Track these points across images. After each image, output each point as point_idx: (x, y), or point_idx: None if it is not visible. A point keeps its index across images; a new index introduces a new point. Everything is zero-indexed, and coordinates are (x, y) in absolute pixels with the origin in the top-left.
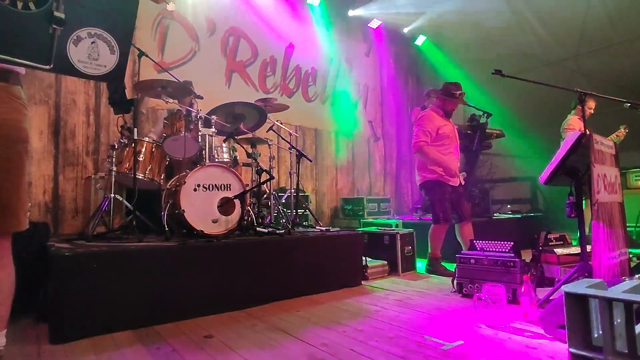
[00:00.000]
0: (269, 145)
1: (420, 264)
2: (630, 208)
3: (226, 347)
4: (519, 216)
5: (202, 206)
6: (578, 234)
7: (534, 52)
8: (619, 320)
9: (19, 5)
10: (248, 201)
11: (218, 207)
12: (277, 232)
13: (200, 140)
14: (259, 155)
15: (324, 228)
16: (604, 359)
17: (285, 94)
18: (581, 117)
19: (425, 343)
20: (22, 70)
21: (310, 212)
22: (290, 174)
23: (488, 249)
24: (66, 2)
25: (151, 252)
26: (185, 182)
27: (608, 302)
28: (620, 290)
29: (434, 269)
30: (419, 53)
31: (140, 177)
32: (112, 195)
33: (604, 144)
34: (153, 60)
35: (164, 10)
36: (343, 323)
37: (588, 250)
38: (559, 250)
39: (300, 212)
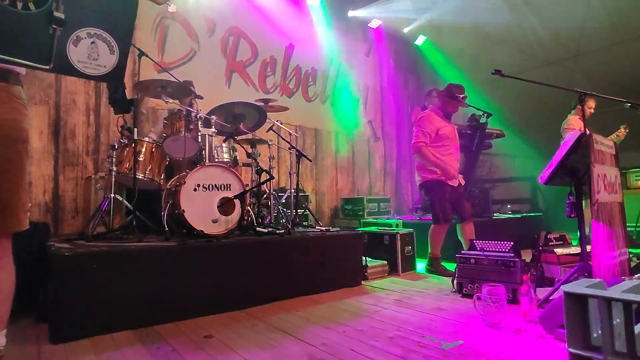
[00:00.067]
0: (269, 145)
1: (421, 264)
2: (630, 208)
3: (226, 347)
4: (519, 216)
5: (202, 206)
6: (578, 234)
7: (534, 52)
8: (618, 320)
9: (19, 5)
10: (248, 201)
11: (218, 207)
12: (277, 232)
13: (200, 140)
14: (259, 155)
15: (324, 228)
16: (603, 358)
17: (285, 94)
18: (581, 117)
19: (424, 343)
20: (22, 70)
21: (310, 212)
22: (290, 174)
23: (488, 249)
24: (66, 2)
25: (151, 252)
26: (185, 182)
27: (607, 302)
28: (619, 290)
29: (434, 268)
30: (419, 53)
31: (140, 177)
32: (112, 195)
33: (604, 144)
34: (153, 60)
35: (164, 10)
36: (343, 323)
37: (588, 250)
38: (558, 250)
39: (300, 212)
